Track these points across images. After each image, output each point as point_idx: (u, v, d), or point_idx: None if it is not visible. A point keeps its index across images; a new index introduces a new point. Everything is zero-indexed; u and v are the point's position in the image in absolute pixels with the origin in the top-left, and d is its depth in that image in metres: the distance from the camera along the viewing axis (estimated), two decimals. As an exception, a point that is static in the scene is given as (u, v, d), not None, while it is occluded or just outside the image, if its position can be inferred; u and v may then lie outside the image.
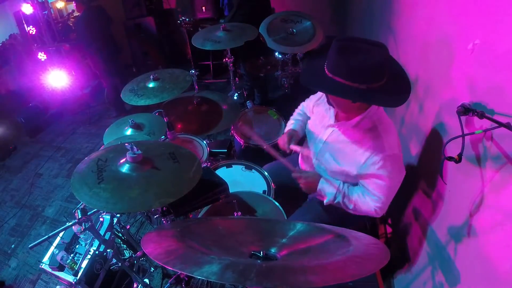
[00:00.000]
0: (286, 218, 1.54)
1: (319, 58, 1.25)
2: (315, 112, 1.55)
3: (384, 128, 1.26)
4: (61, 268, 1.46)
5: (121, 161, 1.19)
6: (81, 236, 1.54)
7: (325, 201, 1.44)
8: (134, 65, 4.79)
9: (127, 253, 1.89)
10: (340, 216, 1.49)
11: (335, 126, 1.38)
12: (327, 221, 1.52)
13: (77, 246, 1.55)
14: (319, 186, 1.44)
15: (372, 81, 1.11)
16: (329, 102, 1.31)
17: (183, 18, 2.95)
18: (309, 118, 1.64)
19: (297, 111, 1.81)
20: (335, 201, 1.41)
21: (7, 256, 2.54)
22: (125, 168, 1.17)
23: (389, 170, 1.24)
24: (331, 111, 1.41)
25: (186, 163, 1.24)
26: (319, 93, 1.57)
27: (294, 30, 2.48)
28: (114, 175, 1.15)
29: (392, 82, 1.15)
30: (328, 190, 1.42)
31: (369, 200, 1.32)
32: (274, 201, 1.61)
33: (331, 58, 1.15)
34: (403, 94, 1.14)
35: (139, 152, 1.17)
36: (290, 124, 1.76)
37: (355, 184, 1.41)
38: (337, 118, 1.41)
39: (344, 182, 1.41)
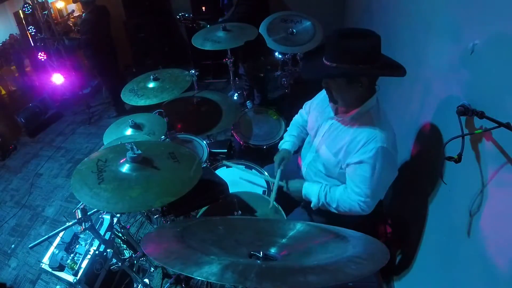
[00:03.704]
0: (285, 218, 1.54)
1: (316, 56, 1.32)
2: (316, 109, 1.58)
3: (380, 122, 1.29)
4: (61, 268, 1.46)
5: (121, 161, 1.19)
6: (81, 236, 1.55)
7: (312, 205, 1.49)
8: (134, 65, 4.79)
9: (127, 253, 1.89)
10: (338, 215, 1.49)
11: (334, 118, 1.42)
12: (325, 220, 1.53)
13: (77, 246, 1.56)
14: (303, 191, 1.51)
15: (371, 61, 1.18)
16: (331, 99, 1.35)
17: (182, 13, 2.96)
18: (305, 124, 1.68)
19: (292, 123, 1.83)
20: (320, 203, 1.45)
21: (7, 256, 2.54)
22: (125, 168, 1.17)
23: (378, 162, 1.25)
24: (332, 106, 1.44)
25: (186, 163, 1.24)
26: (320, 95, 1.59)
27: (294, 30, 2.48)
28: (114, 175, 1.15)
29: (388, 61, 1.24)
30: (312, 194, 1.47)
31: (352, 193, 1.34)
32: (274, 201, 1.60)
33: (331, 46, 1.21)
34: (401, 68, 1.23)
35: (139, 152, 1.17)
36: (283, 143, 1.79)
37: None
38: (336, 113, 1.44)
39: (337, 179, 1.45)
